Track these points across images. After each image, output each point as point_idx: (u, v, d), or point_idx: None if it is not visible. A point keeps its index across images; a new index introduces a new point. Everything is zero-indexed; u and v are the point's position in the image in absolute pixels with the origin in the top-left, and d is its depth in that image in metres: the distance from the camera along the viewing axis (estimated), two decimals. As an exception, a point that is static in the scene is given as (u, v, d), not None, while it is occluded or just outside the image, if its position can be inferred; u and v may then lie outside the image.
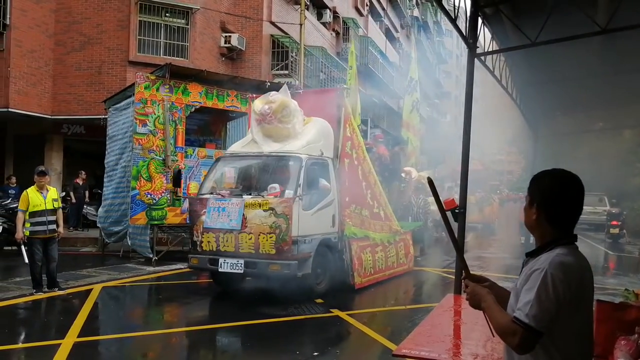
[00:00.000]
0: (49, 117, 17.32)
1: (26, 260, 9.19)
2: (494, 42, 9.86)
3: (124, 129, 13.01)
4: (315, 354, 6.26)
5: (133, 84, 12.52)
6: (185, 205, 11.34)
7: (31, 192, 8.69)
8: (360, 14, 30.91)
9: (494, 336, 2.15)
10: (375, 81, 28.59)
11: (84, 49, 17.27)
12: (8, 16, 15.71)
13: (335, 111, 9.87)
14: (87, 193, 17.70)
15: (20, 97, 16.21)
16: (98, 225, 14.05)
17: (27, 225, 8.61)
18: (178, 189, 11.32)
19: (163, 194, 12.11)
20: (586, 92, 13.04)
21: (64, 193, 16.85)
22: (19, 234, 8.63)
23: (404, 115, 19.22)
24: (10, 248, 12.74)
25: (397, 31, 40.31)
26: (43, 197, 8.69)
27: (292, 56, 21.01)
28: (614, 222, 20.78)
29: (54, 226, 8.80)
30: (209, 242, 8.63)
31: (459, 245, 2.60)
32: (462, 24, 8.13)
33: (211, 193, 9.09)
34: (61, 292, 8.82)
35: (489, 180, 32.16)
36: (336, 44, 27.78)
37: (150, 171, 11.99)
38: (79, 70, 17.29)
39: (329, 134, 9.67)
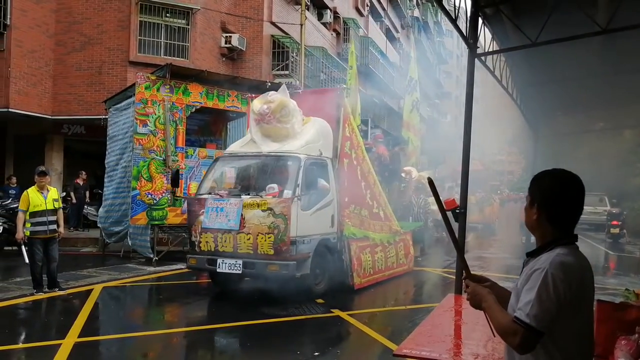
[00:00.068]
0: (49, 117, 17.33)
1: (26, 261, 9.20)
2: (494, 42, 9.86)
3: (124, 129, 13.02)
4: (316, 354, 6.26)
5: (133, 84, 12.52)
6: (186, 205, 11.34)
7: (32, 192, 8.69)
8: (361, 14, 30.92)
9: (494, 336, 2.15)
10: (375, 81, 28.58)
11: (85, 49, 17.28)
12: (8, 16, 15.72)
13: (334, 111, 9.84)
14: (87, 193, 17.70)
15: (21, 97, 16.22)
16: (98, 225, 14.05)
17: (28, 225, 8.62)
18: (177, 189, 11.33)
19: (163, 194, 12.12)
20: (586, 92, 13.04)
21: (64, 193, 16.86)
22: (19, 234, 8.63)
23: (405, 115, 19.21)
24: (10, 248, 12.74)
25: (397, 31, 40.31)
26: (43, 197, 8.70)
27: (292, 56, 21.01)
28: (615, 222, 20.78)
29: (54, 226, 8.80)
30: (207, 242, 8.62)
31: (459, 245, 2.60)
32: (462, 24, 8.14)
33: (209, 193, 9.07)
34: (62, 292, 8.82)
35: (490, 181, 32.21)
36: (337, 44, 27.78)
37: (150, 171, 12.00)
38: (79, 70, 17.29)
39: (328, 134, 9.64)
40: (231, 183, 9.68)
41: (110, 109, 13.98)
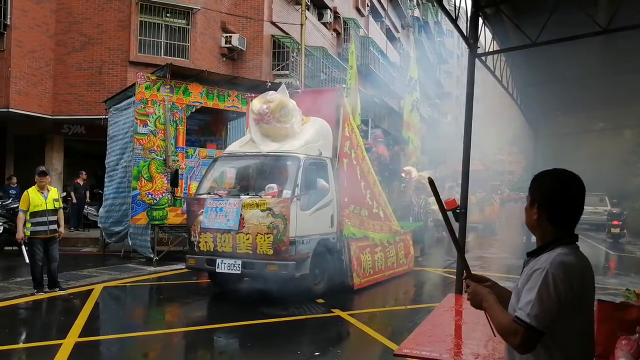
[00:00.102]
0: (50, 117, 17.33)
1: (26, 260, 9.20)
2: (494, 42, 9.87)
3: (124, 129, 13.02)
4: (317, 353, 6.26)
5: (134, 84, 12.52)
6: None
7: (32, 192, 8.70)
8: (361, 14, 30.92)
9: (495, 336, 2.15)
10: (376, 81, 28.59)
11: (85, 49, 17.29)
12: (8, 16, 15.72)
13: (333, 111, 9.82)
14: (87, 193, 17.70)
15: (21, 97, 16.22)
16: (99, 225, 14.06)
17: (28, 225, 8.62)
18: (176, 188, 11.32)
19: (164, 194, 12.12)
20: (587, 92, 13.05)
21: (64, 193, 16.86)
22: (20, 234, 8.64)
23: (405, 115, 19.20)
24: (11, 248, 12.75)
25: (397, 31, 40.32)
26: (44, 197, 8.70)
27: (292, 56, 21.01)
28: (615, 222, 20.79)
29: (55, 226, 8.81)
30: (206, 242, 8.60)
31: (460, 245, 2.60)
32: (462, 24, 8.14)
33: (209, 193, 9.05)
34: (62, 292, 8.83)
35: (490, 181, 32.19)
36: (337, 44, 27.78)
37: (151, 171, 12.00)
38: (79, 70, 17.30)
39: (327, 134, 9.61)
40: (230, 183, 9.67)
41: (111, 109, 13.99)
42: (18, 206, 9.16)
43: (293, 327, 7.33)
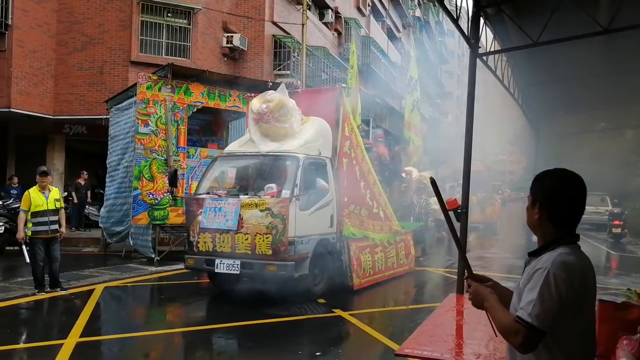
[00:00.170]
0: (51, 117, 17.35)
1: (27, 260, 9.21)
2: (495, 42, 9.87)
3: (125, 129, 13.03)
4: (318, 353, 6.27)
5: (135, 84, 12.53)
6: (186, 205, 11.34)
7: (33, 192, 8.70)
8: (362, 14, 30.93)
9: (496, 336, 2.15)
10: (377, 81, 28.58)
11: (86, 49, 17.30)
12: (10, 16, 15.74)
13: (333, 110, 9.76)
14: (89, 193, 17.71)
15: (22, 97, 16.24)
16: (100, 225, 14.07)
17: (29, 225, 8.63)
18: (174, 188, 11.31)
19: (165, 194, 12.12)
20: (588, 92, 13.05)
21: (66, 193, 16.88)
22: (20, 234, 8.64)
23: (406, 115, 19.19)
24: (12, 248, 12.76)
25: (399, 31, 40.33)
26: (45, 197, 8.71)
27: (294, 56, 21.02)
28: (616, 222, 20.79)
29: (56, 226, 8.81)
30: (205, 242, 8.57)
31: (461, 245, 2.60)
32: (464, 24, 8.14)
33: (208, 193, 9.02)
34: (63, 292, 8.83)
35: (491, 181, 32.21)
36: (338, 44, 27.79)
37: (152, 171, 12.00)
38: (80, 70, 17.31)
39: (327, 134, 9.57)
40: (229, 183, 9.65)
41: (112, 109, 14.00)
42: (19, 206, 9.17)
43: (294, 327, 7.32)
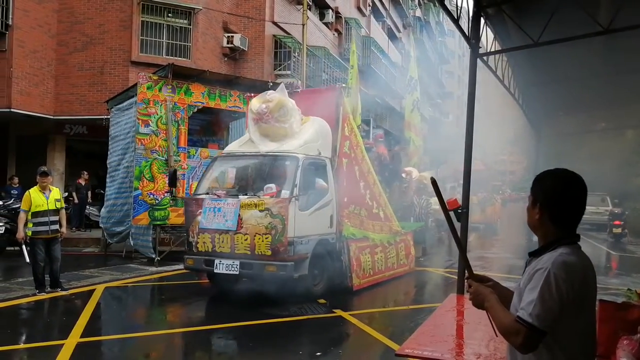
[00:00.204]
0: (51, 117, 17.36)
1: (27, 260, 9.20)
2: (496, 42, 9.87)
3: (126, 129, 13.03)
4: (318, 353, 6.27)
5: (135, 84, 12.53)
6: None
7: (34, 192, 8.70)
8: (363, 14, 30.93)
9: (497, 336, 2.15)
10: (377, 81, 28.58)
11: (87, 49, 17.31)
12: (10, 16, 15.75)
13: (333, 110, 9.74)
14: (89, 193, 17.70)
15: (23, 98, 16.25)
16: (100, 225, 14.07)
17: (30, 225, 8.63)
18: (174, 189, 11.30)
19: (165, 194, 12.12)
20: (588, 92, 13.06)
21: (66, 193, 16.87)
22: (20, 234, 8.65)
23: (406, 115, 19.21)
24: (12, 248, 12.76)
25: (399, 31, 40.33)
26: (45, 198, 8.71)
27: (294, 56, 21.02)
28: (617, 222, 20.79)
29: (56, 226, 8.81)
30: (204, 242, 8.56)
31: (461, 245, 2.60)
32: (464, 24, 8.14)
33: (207, 193, 9.01)
34: (64, 293, 8.83)
35: (492, 181, 32.22)
36: (338, 44, 27.79)
37: (152, 171, 12.00)
38: (81, 70, 17.32)
39: (326, 134, 9.55)
40: (229, 183, 9.64)
41: (112, 109, 14.00)
42: (20, 206, 9.17)
43: (294, 328, 7.32)
